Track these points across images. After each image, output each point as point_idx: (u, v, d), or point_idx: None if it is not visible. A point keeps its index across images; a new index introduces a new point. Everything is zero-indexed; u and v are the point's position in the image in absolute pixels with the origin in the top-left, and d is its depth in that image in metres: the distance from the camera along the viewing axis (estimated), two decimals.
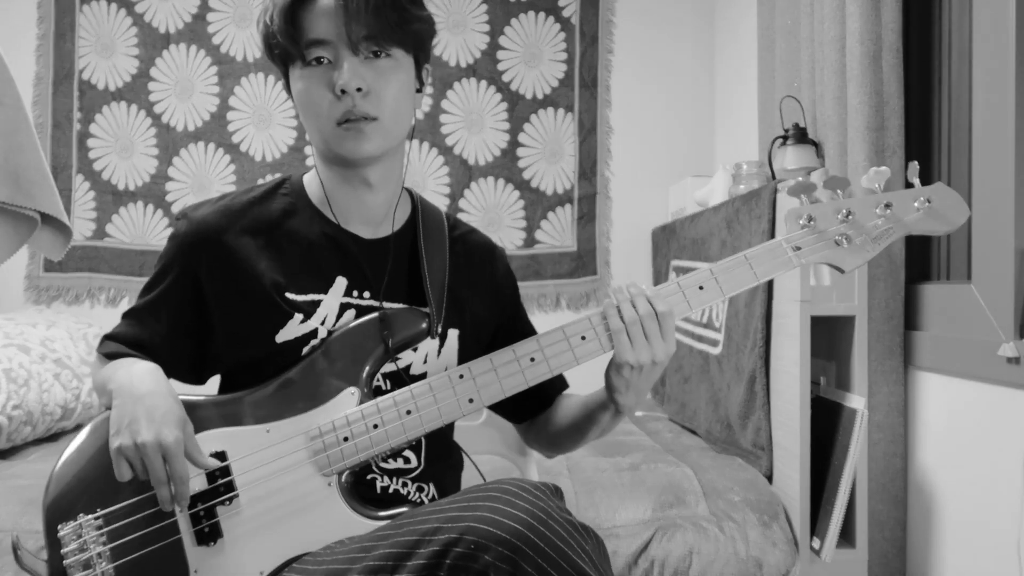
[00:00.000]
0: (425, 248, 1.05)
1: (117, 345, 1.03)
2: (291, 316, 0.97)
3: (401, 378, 1.00)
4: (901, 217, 0.98)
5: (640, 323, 0.92)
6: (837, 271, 0.99)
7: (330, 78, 0.93)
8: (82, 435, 0.96)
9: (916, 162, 0.99)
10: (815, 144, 1.87)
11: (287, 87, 1.00)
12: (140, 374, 0.94)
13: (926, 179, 1.71)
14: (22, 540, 1.44)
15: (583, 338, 0.95)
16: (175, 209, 2.75)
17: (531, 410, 1.17)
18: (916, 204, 0.98)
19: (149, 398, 0.90)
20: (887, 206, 0.97)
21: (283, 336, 0.97)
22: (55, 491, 0.93)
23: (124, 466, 0.88)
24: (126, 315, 1.06)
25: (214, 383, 1.09)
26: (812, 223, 0.97)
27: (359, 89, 0.92)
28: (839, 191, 0.99)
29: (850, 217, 0.97)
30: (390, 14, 0.93)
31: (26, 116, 1.22)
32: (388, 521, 0.90)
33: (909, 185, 1.00)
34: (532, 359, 0.95)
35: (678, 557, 1.49)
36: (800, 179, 0.97)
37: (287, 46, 0.94)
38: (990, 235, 1.44)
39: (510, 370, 0.95)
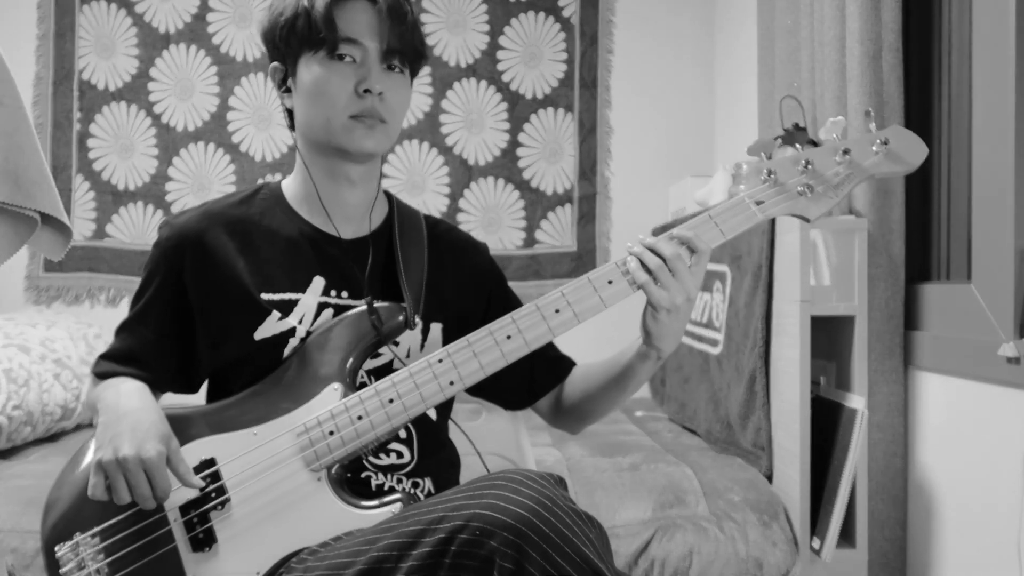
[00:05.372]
0: (400, 245, 1.08)
1: (109, 364, 1.06)
2: (268, 313, 1.00)
3: (384, 373, 1.01)
4: (860, 162, 0.98)
5: (666, 266, 0.96)
6: (804, 221, 1.00)
7: (353, 76, 0.99)
8: (76, 456, 0.99)
9: (870, 109, 1.00)
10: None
11: (288, 75, 1.04)
12: (127, 392, 0.97)
13: (926, 178, 1.72)
14: (23, 540, 1.45)
15: (556, 311, 0.97)
16: (175, 209, 2.75)
17: (544, 387, 1.17)
18: (874, 148, 0.98)
19: (133, 414, 0.92)
20: (845, 152, 0.97)
21: (261, 333, 1.00)
22: (52, 516, 0.95)
23: (100, 481, 0.88)
24: (118, 331, 1.09)
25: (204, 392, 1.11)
26: (772, 176, 0.98)
27: (380, 93, 0.99)
28: (798, 145, 0.99)
29: (809, 167, 0.98)
30: (414, 38, 1.03)
31: (26, 116, 1.22)
32: (382, 510, 0.93)
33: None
34: (508, 336, 0.96)
35: (678, 557, 1.49)
36: (759, 138, 0.99)
37: (323, 34, 0.97)
38: (990, 235, 1.44)
39: (485, 345, 0.96)
